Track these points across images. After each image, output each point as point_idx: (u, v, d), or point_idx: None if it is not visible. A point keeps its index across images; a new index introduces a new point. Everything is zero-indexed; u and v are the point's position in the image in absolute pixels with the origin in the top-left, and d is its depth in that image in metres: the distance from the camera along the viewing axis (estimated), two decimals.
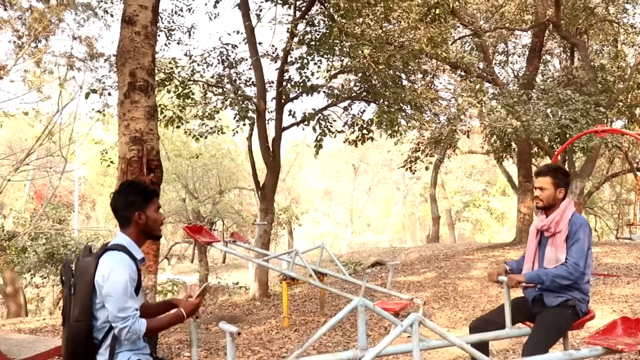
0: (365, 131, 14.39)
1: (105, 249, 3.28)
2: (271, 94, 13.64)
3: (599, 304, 8.91)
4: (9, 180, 16.76)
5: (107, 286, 3.10)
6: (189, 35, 14.44)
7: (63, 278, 3.33)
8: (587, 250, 4.17)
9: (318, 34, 12.78)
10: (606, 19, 18.53)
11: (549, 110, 14.70)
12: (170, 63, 13.58)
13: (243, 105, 12.81)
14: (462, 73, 17.31)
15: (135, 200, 3.39)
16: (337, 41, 12.64)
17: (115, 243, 3.32)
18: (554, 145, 17.24)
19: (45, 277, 18.87)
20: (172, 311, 3.46)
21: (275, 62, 13.73)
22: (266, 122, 13.48)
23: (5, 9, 15.04)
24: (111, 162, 14.24)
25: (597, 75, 17.72)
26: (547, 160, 19.88)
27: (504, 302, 4.31)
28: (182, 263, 35.31)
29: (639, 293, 9.60)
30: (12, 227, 19.13)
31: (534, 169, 20.91)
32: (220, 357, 6.99)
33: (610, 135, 14.84)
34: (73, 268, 3.30)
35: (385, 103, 13.41)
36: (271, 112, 13.77)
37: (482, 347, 4.19)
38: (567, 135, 14.33)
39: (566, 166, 18.23)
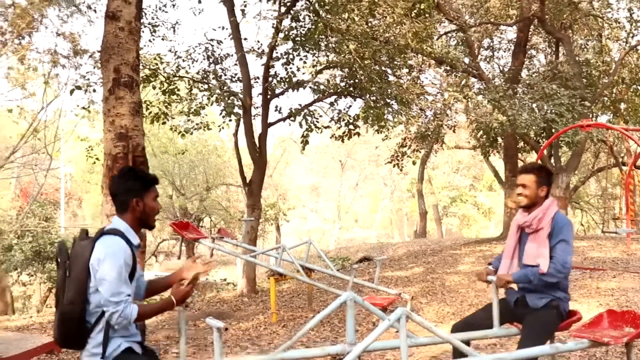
0: (351, 126, 14.40)
1: (102, 232, 3.27)
2: (257, 89, 13.64)
3: (585, 298, 8.96)
4: None
5: (101, 270, 3.09)
6: (174, 31, 14.35)
7: (58, 260, 3.31)
8: (571, 249, 4.18)
9: (303, 30, 12.76)
10: (590, 14, 18.62)
11: (534, 105, 14.76)
12: (155, 59, 13.52)
13: (229, 101, 12.78)
14: (448, 68, 17.36)
15: (135, 186, 3.38)
16: (323, 36, 12.63)
17: (112, 227, 3.31)
18: (540, 140, 17.31)
19: (32, 275, 18.75)
20: (162, 298, 3.44)
21: (261, 57, 13.70)
22: (252, 118, 13.46)
23: None
24: (97, 159, 14.18)
25: (582, 69, 17.81)
26: (534, 155, 19.97)
27: (492, 302, 4.31)
28: (169, 260, 35.22)
29: (625, 286, 9.66)
30: None
31: (520, 163, 21.03)
32: (209, 352, 6.97)
33: (595, 130, 14.91)
34: (69, 250, 3.29)
35: (372, 98, 13.43)
36: (257, 107, 13.75)
37: (465, 344, 4.20)
38: (553, 130, 14.39)
39: (552, 161, 18.30)
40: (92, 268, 3.13)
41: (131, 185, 3.38)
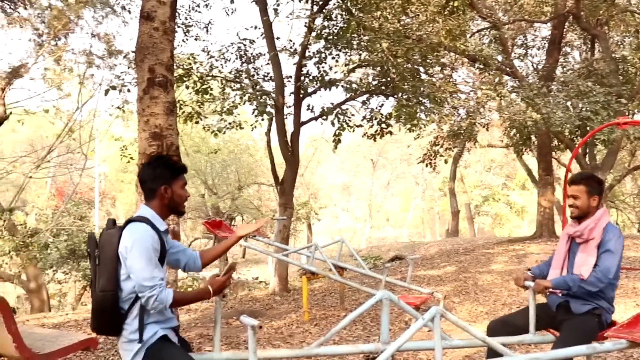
0: (383, 125, 14.35)
1: (129, 220, 3.33)
2: (289, 88, 13.66)
3: (621, 298, 8.83)
4: (30, 177, 16.94)
5: (130, 257, 3.14)
6: (207, 31, 14.45)
7: (89, 251, 3.37)
8: (618, 261, 4.09)
9: (336, 28, 12.74)
10: (627, 10, 18.29)
11: (569, 103, 14.57)
12: (188, 59, 13.62)
13: (261, 100, 12.81)
14: (481, 66, 17.19)
15: (164, 173, 3.42)
16: (355, 35, 12.62)
17: (139, 215, 3.36)
18: (575, 138, 17.07)
19: (67, 273, 19.04)
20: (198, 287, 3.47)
21: (293, 56, 13.72)
22: (284, 117, 13.47)
23: (26, 8, 15.15)
24: (131, 158, 14.35)
25: (619, 66, 17.52)
26: (568, 154, 19.72)
27: (529, 308, 4.25)
28: None
29: None
30: (34, 224, 19.31)
31: (554, 162, 20.79)
32: (241, 350, 6.98)
33: (632, 128, 14.68)
34: (97, 240, 3.34)
35: (404, 97, 13.37)
36: (289, 107, 13.76)
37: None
38: (588, 128, 14.19)
39: (587, 159, 18.04)
40: (121, 256, 3.19)
41: (160, 172, 3.42)
